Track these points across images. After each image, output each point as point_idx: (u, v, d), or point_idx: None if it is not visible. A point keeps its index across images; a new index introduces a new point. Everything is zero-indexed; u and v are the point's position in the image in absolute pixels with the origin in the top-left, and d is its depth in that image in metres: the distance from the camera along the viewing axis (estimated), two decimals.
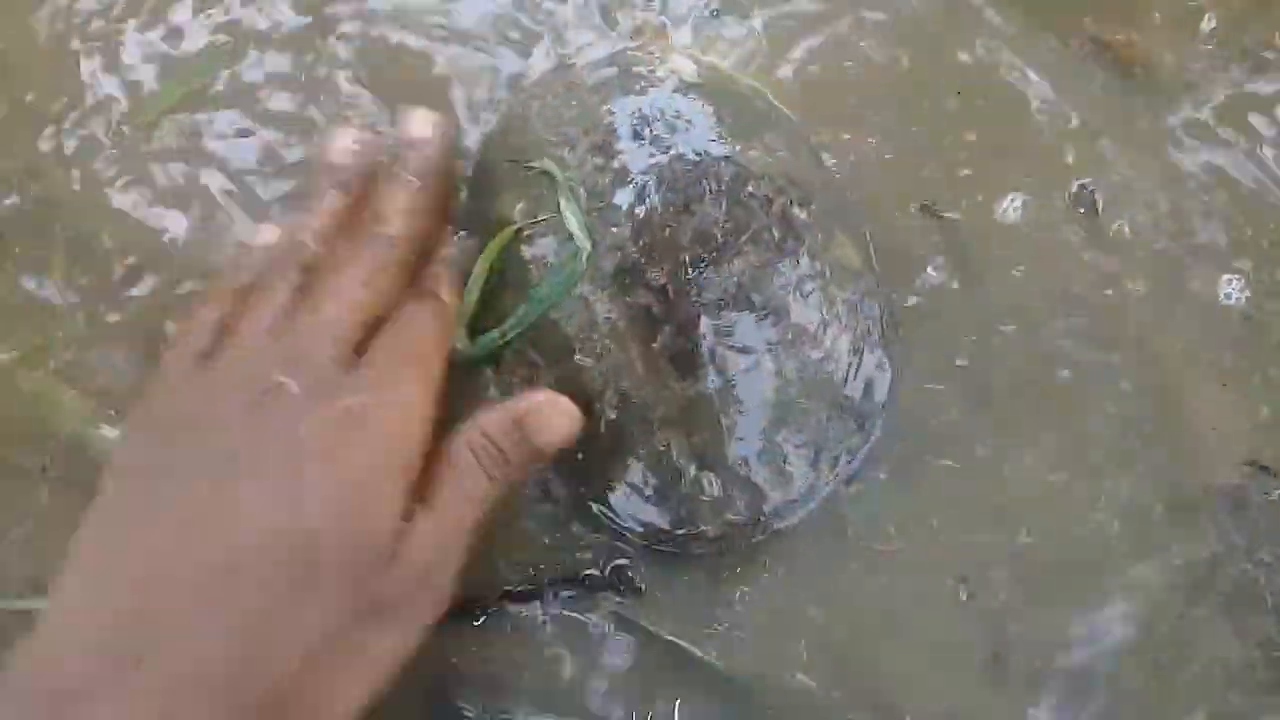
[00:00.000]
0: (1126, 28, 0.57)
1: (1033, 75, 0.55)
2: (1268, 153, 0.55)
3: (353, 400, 0.35)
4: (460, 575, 0.37)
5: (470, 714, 0.44)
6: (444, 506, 0.36)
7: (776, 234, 0.45)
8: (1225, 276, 0.52)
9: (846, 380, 0.46)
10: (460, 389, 0.43)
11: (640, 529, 0.45)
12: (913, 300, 0.50)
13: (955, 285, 0.51)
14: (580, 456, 0.44)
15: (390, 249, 0.40)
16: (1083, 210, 0.53)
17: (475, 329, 0.46)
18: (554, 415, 0.39)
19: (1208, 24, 0.57)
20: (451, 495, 0.36)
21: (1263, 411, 0.50)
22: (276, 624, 0.32)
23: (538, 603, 0.45)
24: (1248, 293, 0.52)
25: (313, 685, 0.32)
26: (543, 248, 0.45)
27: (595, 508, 0.45)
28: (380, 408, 0.36)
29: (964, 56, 0.55)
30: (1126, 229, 0.53)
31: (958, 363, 0.50)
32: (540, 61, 0.54)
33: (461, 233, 0.48)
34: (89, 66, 0.55)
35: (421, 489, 0.36)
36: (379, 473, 0.35)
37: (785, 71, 0.54)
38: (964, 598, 0.46)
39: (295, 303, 0.38)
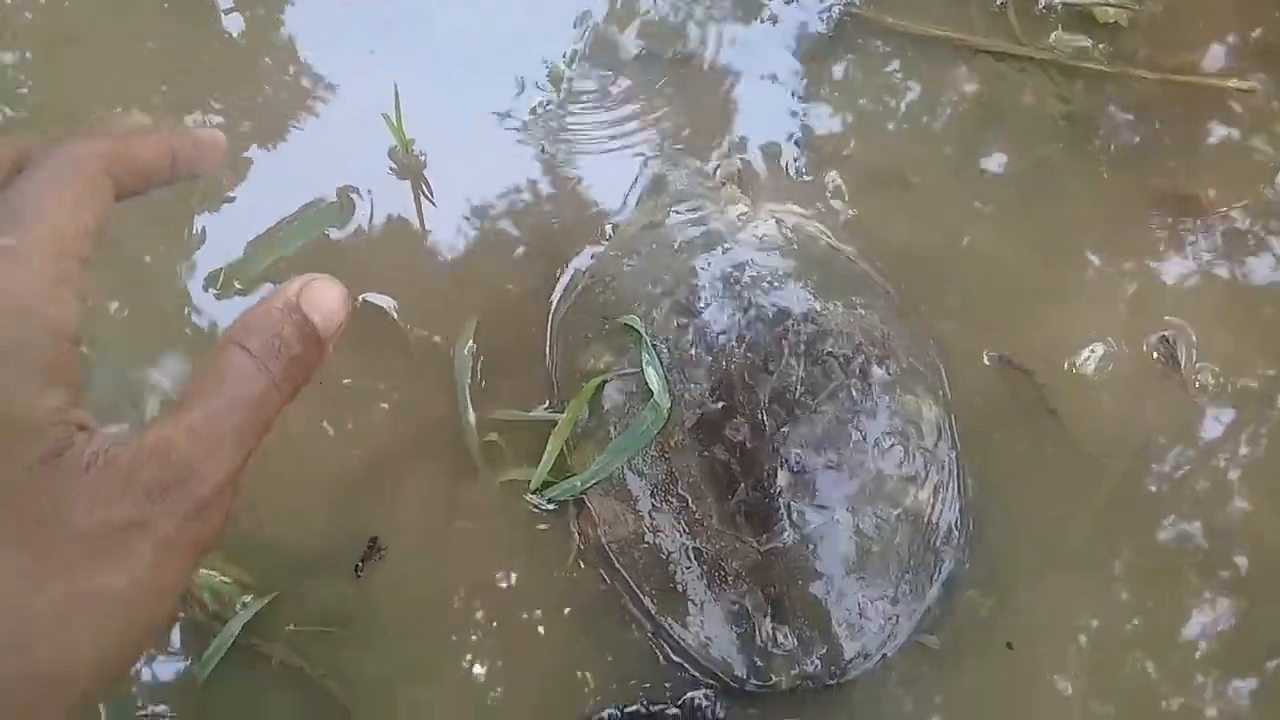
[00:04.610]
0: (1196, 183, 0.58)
1: (1111, 230, 0.56)
2: None
3: None
4: (231, 486, 0.28)
5: None
6: (198, 409, 0.27)
7: (855, 392, 0.46)
8: None
9: (924, 533, 0.47)
10: None
11: (717, 675, 0.46)
12: (991, 450, 0.51)
13: (1032, 437, 0.51)
14: (661, 597, 0.46)
15: None
16: (1160, 359, 0.53)
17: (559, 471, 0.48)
18: (325, 286, 0.30)
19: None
20: (213, 398, 0.28)
21: None
22: None
23: None
24: None
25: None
26: (624, 398, 0.48)
27: (677, 647, 0.46)
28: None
29: (1045, 213, 0.57)
30: (1210, 378, 0.53)
31: (1035, 513, 0.50)
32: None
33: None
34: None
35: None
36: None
37: (868, 227, 0.56)
38: None
39: None
